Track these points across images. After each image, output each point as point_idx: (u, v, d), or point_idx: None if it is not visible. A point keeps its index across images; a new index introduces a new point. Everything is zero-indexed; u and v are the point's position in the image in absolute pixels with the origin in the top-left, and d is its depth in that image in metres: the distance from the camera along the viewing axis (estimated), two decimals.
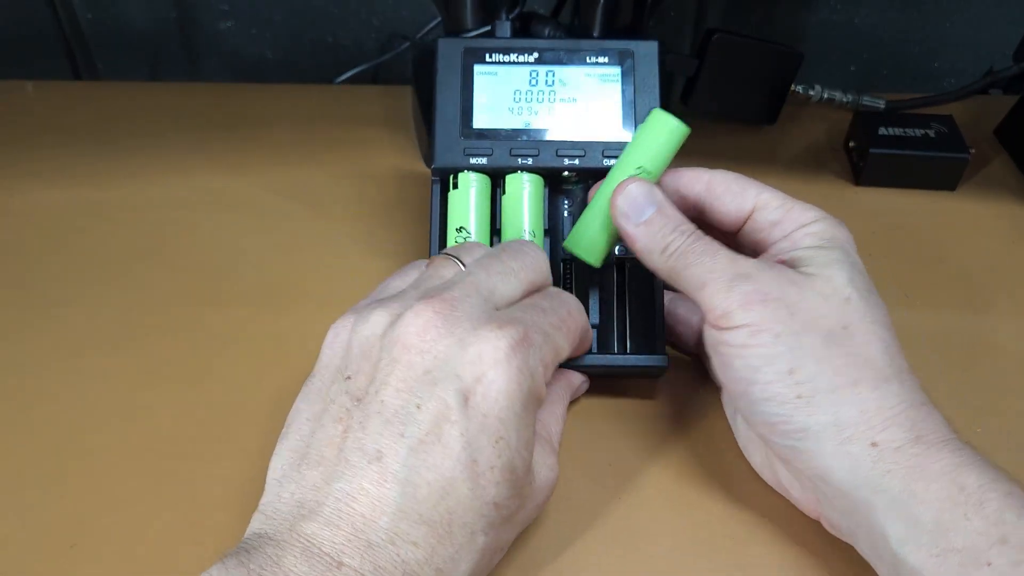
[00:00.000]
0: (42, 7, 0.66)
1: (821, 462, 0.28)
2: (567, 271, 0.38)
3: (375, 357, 0.28)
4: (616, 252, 0.38)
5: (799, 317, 0.29)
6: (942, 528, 0.26)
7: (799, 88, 0.54)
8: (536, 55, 0.39)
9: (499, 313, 0.29)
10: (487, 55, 0.39)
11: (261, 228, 0.47)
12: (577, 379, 0.36)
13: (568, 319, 0.31)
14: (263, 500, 0.27)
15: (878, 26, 0.67)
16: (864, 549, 0.29)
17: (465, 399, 0.26)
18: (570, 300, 0.32)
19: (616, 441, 0.36)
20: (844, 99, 0.55)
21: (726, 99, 0.52)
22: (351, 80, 0.64)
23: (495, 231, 0.38)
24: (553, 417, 0.33)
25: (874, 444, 0.27)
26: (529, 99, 0.39)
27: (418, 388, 0.26)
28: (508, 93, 0.39)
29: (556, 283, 0.34)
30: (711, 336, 0.30)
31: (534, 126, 0.39)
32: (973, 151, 0.49)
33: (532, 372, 0.28)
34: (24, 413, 0.37)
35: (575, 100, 0.39)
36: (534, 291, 0.32)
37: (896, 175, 0.50)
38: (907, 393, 0.28)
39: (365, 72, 0.65)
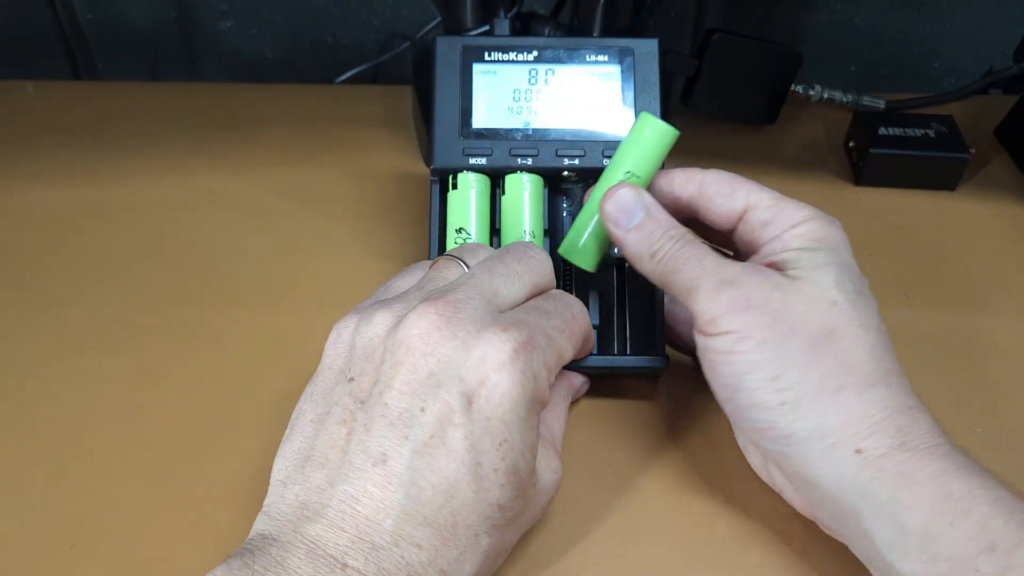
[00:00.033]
0: (42, 7, 0.66)
1: (808, 468, 0.28)
2: (567, 272, 0.38)
3: (378, 359, 0.28)
4: (614, 253, 0.38)
5: (783, 323, 0.29)
6: (929, 536, 0.26)
7: (799, 88, 0.54)
8: (535, 54, 0.39)
9: (503, 316, 0.29)
10: (486, 54, 0.39)
11: (261, 228, 0.47)
12: (578, 380, 0.36)
13: (571, 322, 0.31)
14: (267, 501, 0.27)
15: (878, 26, 0.67)
16: (857, 552, 0.29)
17: (469, 402, 0.26)
18: (573, 303, 0.32)
19: (616, 442, 0.36)
20: (844, 99, 0.55)
21: (726, 99, 0.52)
22: (351, 80, 0.64)
23: (495, 231, 0.38)
24: (556, 418, 0.33)
25: (859, 451, 0.27)
26: (528, 98, 0.39)
27: (422, 391, 0.26)
28: (507, 92, 0.39)
29: (556, 283, 0.34)
30: (699, 341, 0.30)
31: (533, 126, 0.39)
32: (973, 151, 0.49)
33: (535, 375, 0.28)
34: (24, 413, 0.37)
35: (575, 99, 0.39)
36: (537, 293, 0.32)
37: (896, 175, 0.50)
38: (894, 398, 0.28)
39: (365, 72, 0.65)
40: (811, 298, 0.29)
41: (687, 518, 0.33)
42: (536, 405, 0.28)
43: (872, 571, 0.28)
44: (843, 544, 0.30)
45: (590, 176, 0.38)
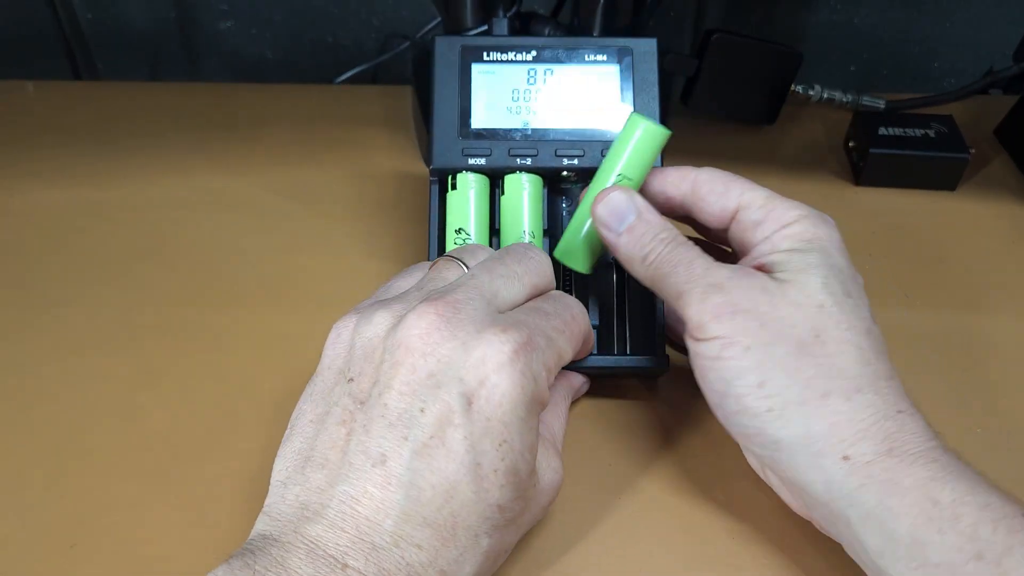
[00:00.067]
0: (42, 7, 0.66)
1: (798, 474, 0.28)
2: (567, 272, 0.38)
3: (377, 359, 0.28)
4: (610, 258, 0.38)
5: (769, 328, 0.28)
6: (918, 543, 0.26)
7: (799, 88, 0.54)
8: (534, 53, 0.39)
9: (502, 316, 0.29)
10: (485, 54, 0.39)
11: (261, 228, 0.47)
12: (578, 380, 0.36)
13: (571, 323, 0.31)
14: (267, 501, 0.27)
15: (878, 26, 0.67)
16: (851, 554, 0.29)
17: (468, 403, 0.26)
18: (573, 304, 0.32)
19: (616, 442, 0.36)
20: (844, 99, 0.55)
21: (726, 99, 0.52)
22: (351, 80, 0.64)
23: (494, 232, 0.38)
24: (556, 418, 0.33)
25: (846, 458, 0.27)
26: (528, 98, 0.39)
27: (421, 391, 0.26)
28: (506, 92, 0.39)
29: (556, 284, 0.34)
30: (689, 346, 0.30)
31: (533, 125, 0.39)
32: (973, 151, 0.49)
33: (535, 376, 0.28)
34: (24, 413, 0.37)
35: (574, 99, 0.39)
36: (537, 294, 0.32)
37: (896, 175, 0.50)
38: (882, 403, 0.28)
39: (365, 72, 0.65)
40: (798, 302, 0.29)
41: (687, 518, 0.33)
42: (536, 406, 0.28)
43: (866, 573, 0.28)
44: (840, 544, 0.30)
45: (589, 176, 0.38)
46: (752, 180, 0.33)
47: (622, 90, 0.39)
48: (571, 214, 0.39)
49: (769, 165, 0.52)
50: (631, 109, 0.38)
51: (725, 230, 0.33)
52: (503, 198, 0.38)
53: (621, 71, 0.39)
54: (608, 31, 0.48)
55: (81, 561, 0.31)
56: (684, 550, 0.32)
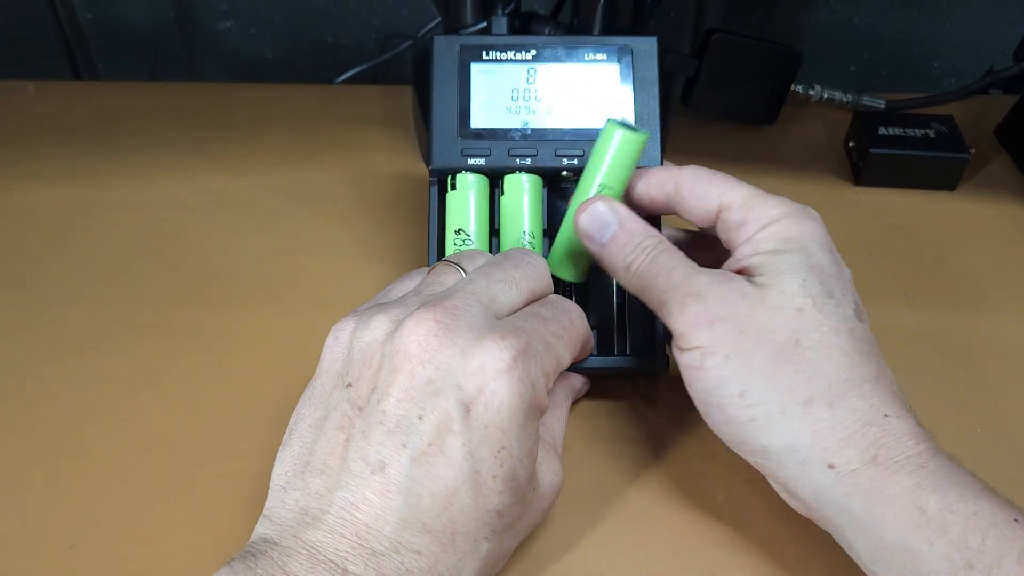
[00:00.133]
0: (42, 7, 0.66)
1: (787, 482, 0.28)
2: None
3: (376, 364, 0.27)
4: None
5: (749, 335, 0.28)
6: (907, 552, 0.25)
7: (799, 88, 0.54)
8: (533, 52, 0.39)
9: (500, 323, 0.29)
10: (484, 53, 0.39)
11: (261, 228, 0.47)
12: (578, 381, 0.36)
13: (570, 328, 0.31)
14: (268, 505, 0.27)
15: (878, 26, 0.67)
16: (852, 557, 0.29)
17: (467, 410, 0.26)
18: (572, 308, 0.32)
19: (616, 442, 0.36)
20: (844, 99, 0.55)
21: (726, 99, 0.52)
22: (351, 80, 0.64)
23: (494, 232, 0.38)
24: (556, 421, 0.33)
25: (831, 466, 0.27)
26: (527, 97, 0.39)
27: (420, 398, 0.26)
28: (506, 92, 0.39)
29: (554, 288, 0.34)
30: (675, 356, 0.30)
31: (532, 125, 0.39)
32: (973, 151, 0.49)
33: (534, 382, 0.27)
34: (24, 413, 0.37)
35: (573, 98, 0.39)
36: (535, 299, 0.32)
37: (896, 175, 0.50)
38: (866, 407, 0.27)
39: (365, 72, 0.65)
40: (777, 306, 0.28)
41: (687, 518, 0.33)
42: (534, 412, 0.28)
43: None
44: (835, 553, 0.30)
45: None
46: (752, 180, 0.32)
47: (622, 89, 0.39)
48: None
49: (769, 165, 0.52)
50: (631, 108, 0.38)
51: (713, 229, 0.33)
52: (503, 198, 0.38)
53: (621, 70, 0.39)
54: (608, 31, 0.48)
55: (81, 561, 0.31)
56: (683, 550, 0.32)
